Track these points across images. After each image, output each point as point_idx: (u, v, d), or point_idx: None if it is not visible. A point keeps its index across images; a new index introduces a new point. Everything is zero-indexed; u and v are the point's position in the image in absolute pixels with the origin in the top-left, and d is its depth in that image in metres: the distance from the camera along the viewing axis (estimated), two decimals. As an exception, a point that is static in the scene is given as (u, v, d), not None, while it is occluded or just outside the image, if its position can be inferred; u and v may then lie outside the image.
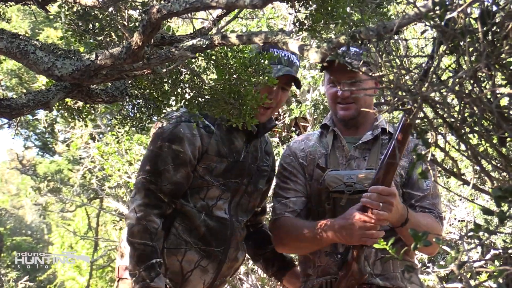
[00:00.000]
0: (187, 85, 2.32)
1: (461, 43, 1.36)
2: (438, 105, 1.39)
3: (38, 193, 11.24)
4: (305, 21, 2.19)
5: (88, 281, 13.62)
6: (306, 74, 6.33)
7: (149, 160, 2.98)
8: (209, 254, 3.02)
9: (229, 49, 2.24)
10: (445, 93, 1.36)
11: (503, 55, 1.33)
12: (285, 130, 7.06)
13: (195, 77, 2.30)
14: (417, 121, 1.42)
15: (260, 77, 2.27)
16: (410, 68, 1.45)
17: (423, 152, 1.36)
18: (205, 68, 2.28)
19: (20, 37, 2.20)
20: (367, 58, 2.88)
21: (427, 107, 1.41)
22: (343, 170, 2.97)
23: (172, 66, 2.18)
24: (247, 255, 3.38)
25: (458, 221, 5.72)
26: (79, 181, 9.67)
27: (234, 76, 2.25)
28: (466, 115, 1.37)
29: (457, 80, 1.35)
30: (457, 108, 1.39)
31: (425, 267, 5.83)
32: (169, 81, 2.36)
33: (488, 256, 5.08)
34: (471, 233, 1.30)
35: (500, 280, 1.26)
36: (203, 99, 2.33)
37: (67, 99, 2.49)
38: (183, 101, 2.36)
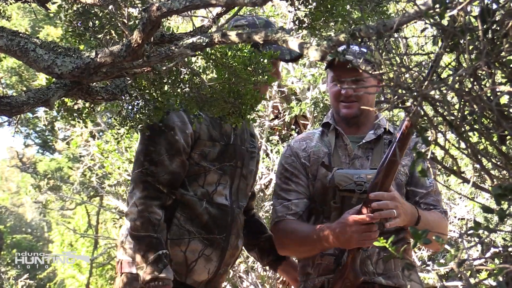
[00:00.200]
0: (187, 85, 2.32)
1: (461, 41, 1.36)
2: (438, 103, 1.39)
3: (38, 191, 11.22)
4: (305, 19, 2.19)
5: (88, 279, 13.62)
6: (306, 72, 6.33)
7: (143, 153, 2.97)
8: (212, 242, 3.01)
9: (228, 48, 2.23)
10: (445, 91, 1.36)
11: (503, 53, 1.33)
12: (285, 128, 7.06)
13: (195, 77, 2.30)
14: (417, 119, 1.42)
15: (260, 76, 2.27)
16: (410, 66, 1.45)
17: (423, 150, 1.36)
18: (204, 68, 2.28)
19: (20, 35, 2.20)
20: (370, 57, 2.89)
21: (427, 105, 1.41)
22: (351, 169, 2.96)
23: (172, 64, 2.18)
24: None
25: (458, 219, 5.72)
26: (79, 179, 9.65)
27: (234, 75, 2.25)
28: (466, 113, 1.37)
29: (457, 78, 1.35)
30: (457, 106, 1.39)
31: (425, 265, 5.84)
32: (169, 81, 2.36)
33: (488, 254, 5.09)
34: (471, 231, 1.30)
35: (500, 278, 1.26)
36: (202, 99, 2.33)
37: (66, 100, 2.48)
38: (183, 100, 2.36)
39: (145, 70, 2.21)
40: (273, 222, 3.09)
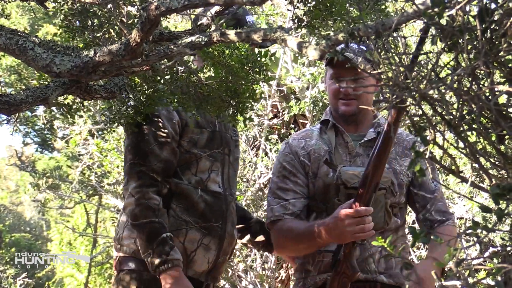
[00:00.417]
0: (184, 83, 2.32)
1: (460, 41, 1.36)
2: (436, 103, 1.39)
3: (37, 190, 11.21)
4: (304, 18, 2.19)
5: (87, 278, 13.61)
6: (305, 71, 6.33)
7: (132, 146, 2.97)
8: (210, 231, 3.01)
9: (225, 47, 2.23)
10: (443, 91, 1.36)
11: (501, 53, 1.33)
12: (284, 127, 7.07)
13: (192, 75, 2.30)
14: (416, 118, 1.42)
15: (257, 75, 2.27)
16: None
17: (421, 150, 1.36)
18: (202, 67, 2.28)
19: (19, 33, 2.20)
20: (368, 55, 2.88)
21: (425, 104, 1.41)
22: (356, 167, 2.96)
23: (171, 63, 2.18)
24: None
25: (457, 218, 5.73)
26: (78, 177, 9.65)
27: (231, 73, 2.25)
28: (464, 112, 1.37)
29: (455, 77, 1.35)
30: (455, 106, 1.39)
31: (423, 265, 5.83)
32: (165, 79, 2.36)
33: (486, 254, 5.09)
34: (469, 231, 1.30)
35: (498, 278, 1.26)
36: (199, 97, 2.33)
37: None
38: (179, 99, 2.36)
39: (144, 69, 2.22)
40: (269, 221, 3.08)
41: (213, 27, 2.12)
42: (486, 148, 1.41)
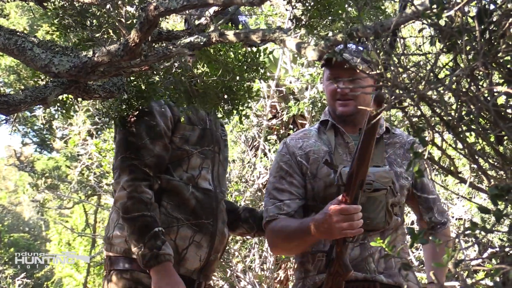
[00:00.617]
0: (178, 78, 2.32)
1: (459, 42, 1.36)
2: (435, 104, 1.39)
3: (36, 190, 11.23)
4: (302, 18, 2.19)
5: (86, 278, 13.62)
6: (304, 71, 6.33)
7: (124, 140, 2.95)
8: (201, 228, 2.99)
9: (222, 44, 2.23)
10: (442, 92, 1.36)
11: (500, 54, 1.33)
12: (283, 128, 7.07)
13: (186, 71, 2.30)
14: (414, 119, 1.42)
15: (254, 73, 2.27)
16: (408, 67, 1.45)
17: (420, 151, 1.36)
18: (195, 62, 2.28)
19: (18, 33, 2.20)
20: (365, 56, 2.88)
21: (424, 105, 1.41)
22: None
23: (169, 63, 2.18)
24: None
25: (456, 219, 5.73)
26: (77, 178, 9.66)
27: (227, 71, 2.25)
28: (463, 113, 1.37)
29: (454, 78, 1.35)
30: (454, 107, 1.39)
31: (422, 265, 5.84)
32: (160, 73, 2.36)
33: (485, 255, 5.09)
34: (468, 232, 1.30)
35: (497, 279, 1.26)
36: (194, 93, 2.33)
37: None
38: (172, 93, 2.36)
39: (143, 69, 2.22)
40: (264, 221, 3.09)
41: (211, 28, 2.12)
42: (485, 149, 1.41)
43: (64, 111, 2.51)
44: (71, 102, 2.54)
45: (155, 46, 2.18)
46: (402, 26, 1.59)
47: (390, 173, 2.92)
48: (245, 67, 2.26)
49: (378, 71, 1.45)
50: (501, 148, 1.40)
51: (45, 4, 2.44)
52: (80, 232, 13.92)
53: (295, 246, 2.98)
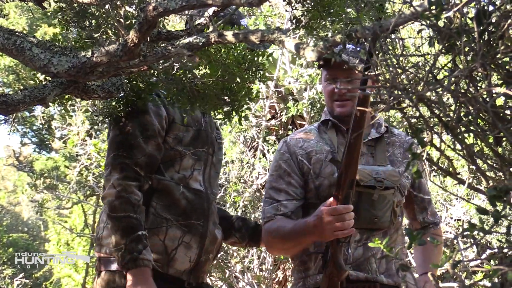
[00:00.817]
0: (179, 79, 2.31)
1: (457, 43, 1.36)
2: (433, 104, 1.39)
3: (35, 190, 11.22)
4: (302, 18, 2.19)
5: (84, 278, 13.61)
6: (303, 72, 6.34)
7: (118, 137, 2.93)
8: (190, 229, 2.97)
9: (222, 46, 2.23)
10: (440, 92, 1.36)
11: (498, 55, 1.33)
12: (282, 128, 7.08)
13: (187, 72, 2.30)
14: (413, 120, 1.42)
15: (254, 74, 2.27)
16: (406, 67, 1.45)
17: (418, 152, 1.36)
18: (197, 64, 2.28)
19: (17, 33, 2.20)
20: (363, 56, 2.88)
21: (422, 106, 1.41)
22: (365, 166, 2.96)
23: (168, 64, 2.18)
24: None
25: (454, 220, 5.73)
26: (75, 178, 9.65)
27: (227, 72, 2.25)
28: (461, 114, 1.37)
29: (453, 79, 1.35)
30: (452, 108, 1.39)
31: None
32: (159, 74, 2.36)
33: (483, 256, 5.09)
34: (466, 233, 1.30)
35: (495, 280, 1.26)
36: (194, 94, 2.33)
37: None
38: (174, 94, 2.36)
39: (142, 69, 2.22)
40: (262, 222, 3.09)
41: (210, 28, 2.12)
42: (484, 150, 1.42)
43: (63, 109, 2.52)
44: (68, 97, 2.53)
45: (154, 46, 2.18)
46: (401, 27, 1.59)
47: (397, 173, 2.93)
48: (245, 69, 2.26)
49: (375, 72, 1.45)
50: (499, 149, 1.40)
51: (44, 4, 2.44)
52: (79, 232, 13.91)
53: (291, 247, 2.98)
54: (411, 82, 1.41)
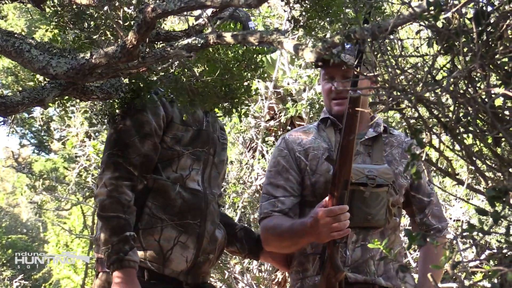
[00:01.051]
0: (178, 76, 2.31)
1: (456, 43, 1.36)
2: (432, 105, 1.39)
3: (34, 191, 11.20)
4: (300, 18, 2.19)
5: (84, 280, 13.60)
6: (302, 73, 6.34)
7: (113, 135, 2.92)
8: (186, 228, 2.95)
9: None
10: (439, 93, 1.36)
11: (497, 56, 1.33)
12: (281, 129, 7.07)
13: (186, 70, 2.29)
14: (412, 121, 1.42)
15: (252, 72, 2.27)
16: (405, 68, 1.45)
17: (417, 152, 1.36)
18: (195, 61, 2.28)
19: (15, 35, 2.20)
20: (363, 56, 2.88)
21: (421, 107, 1.41)
22: (359, 164, 2.96)
23: (167, 65, 2.18)
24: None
25: (454, 220, 5.73)
26: (74, 179, 9.63)
27: (226, 70, 2.25)
28: (460, 115, 1.37)
29: (451, 80, 1.35)
30: (451, 108, 1.39)
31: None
32: (158, 74, 2.36)
33: (483, 256, 5.09)
34: (465, 233, 1.30)
35: (495, 280, 1.26)
36: (194, 92, 2.33)
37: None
38: (173, 91, 2.36)
39: (141, 70, 2.22)
40: (259, 218, 3.09)
41: (209, 29, 2.12)
42: (483, 150, 1.42)
43: (63, 110, 2.52)
44: (68, 97, 2.54)
45: (153, 47, 2.18)
46: (400, 27, 1.59)
47: (391, 171, 2.93)
48: (243, 66, 2.26)
49: (373, 73, 1.45)
50: (498, 150, 1.40)
51: (43, 6, 2.44)
52: (78, 233, 13.90)
53: (287, 246, 2.98)
54: (410, 83, 1.41)
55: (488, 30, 1.35)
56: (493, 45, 1.34)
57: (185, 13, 2.09)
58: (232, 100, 2.34)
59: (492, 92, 1.32)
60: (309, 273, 3.01)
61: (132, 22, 2.17)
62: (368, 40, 1.55)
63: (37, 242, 21.43)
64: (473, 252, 5.46)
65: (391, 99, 1.40)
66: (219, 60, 2.23)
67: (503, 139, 1.38)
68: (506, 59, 1.34)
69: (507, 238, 1.30)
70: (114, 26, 2.17)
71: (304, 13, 2.20)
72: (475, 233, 1.29)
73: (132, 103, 2.81)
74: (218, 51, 2.23)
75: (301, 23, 2.21)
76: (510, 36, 1.34)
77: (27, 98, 2.22)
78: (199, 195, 3.03)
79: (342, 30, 1.87)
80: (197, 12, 2.79)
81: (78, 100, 2.66)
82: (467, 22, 1.36)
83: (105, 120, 2.94)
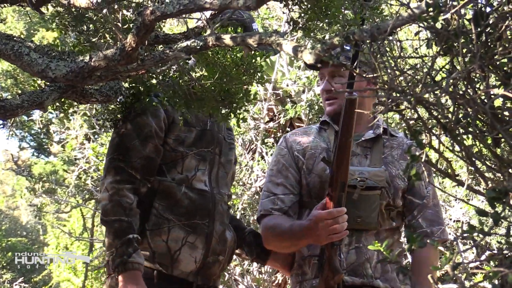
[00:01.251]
0: (175, 81, 2.31)
1: (455, 44, 1.36)
2: (432, 106, 1.39)
3: (33, 194, 11.19)
4: (299, 20, 2.19)
5: (84, 282, 13.58)
6: (301, 74, 6.34)
7: (115, 141, 2.92)
8: (195, 229, 2.94)
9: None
10: (439, 94, 1.36)
11: (496, 56, 1.33)
12: (280, 131, 7.07)
13: (184, 74, 2.29)
14: (411, 122, 1.42)
15: (252, 76, 2.27)
16: (404, 69, 1.45)
17: (417, 154, 1.36)
18: (195, 66, 2.28)
19: (15, 38, 2.20)
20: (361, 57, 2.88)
21: (421, 108, 1.41)
22: (352, 166, 2.95)
23: (166, 67, 2.18)
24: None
25: (454, 221, 5.73)
26: (74, 182, 9.63)
27: (225, 74, 2.25)
28: (460, 116, 1.37)
29: (451, 81, 1.35)
30: (451, 109, 1.39)
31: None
32: (158, 77, 2.36)
33: (483, 257, 5.09)
34: (466, 234, 1.30)
35: (495, 281, 1.26)
36: (192, 96, 2.33)
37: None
38: (171, 96, 2.36)
39: (140, 73, 2.22)
40: (258, 215, 3.09)
41: (208, 31, 2.12)
42: (482, 151, 1.41)
43: (63, 113, 2.52)
44: (69, 103, 2.54)
45: (152, 50, 2.18)
46: (399, 29, 1.59)
47: (384, 173, 2.92)
48: (242, 71, 2.26)
49: (372, 74, 1.45)
50: (498, 151, 1.40)
51: (42, 9, 2.44)
52: (77, 236, 13.89)
53: (287, 246, 2.98)
54: (409, 84, 1.41)
55: (487, 31, 1.35)
56: (492, 46, 1.34)
57: (184, 15, 2.09)
58: (230, 105, 2.34)
59: (492, 93, 1.32)
60: (308, 276, 3.00)
61: (131, 25, 2.17)
62: (367, 41, 1.55)
63: (37, 244, 21.42)
64: (473, 253, 5.46)
65: (390, 100, 1.40)
66: (218, 64, 2.23)
67: (502, 139, 1.38)
68: (505, 60, 1.34)
69: (507, 239, 1.30)
70: (113, 29, 2.17)
71: (303, 15, 2.19)
72: (475, 234, 1.29)
73: (132, 107, 2.82)
74: (217, 55, 2.23)
75: (300, 25, 2.21)
76: (509, 37, 1.34)
77: (27, 101, 2.22)
78: (206, 195, 3.02)
79: (341, 31, 1.87)
80: (196, 15, 2.79)
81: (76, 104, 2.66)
82: (466, 23, 1.36)
83: (108, 125, 2.94)
